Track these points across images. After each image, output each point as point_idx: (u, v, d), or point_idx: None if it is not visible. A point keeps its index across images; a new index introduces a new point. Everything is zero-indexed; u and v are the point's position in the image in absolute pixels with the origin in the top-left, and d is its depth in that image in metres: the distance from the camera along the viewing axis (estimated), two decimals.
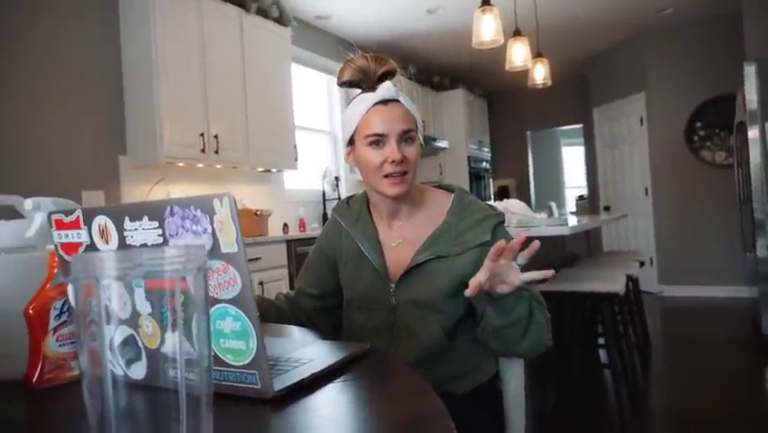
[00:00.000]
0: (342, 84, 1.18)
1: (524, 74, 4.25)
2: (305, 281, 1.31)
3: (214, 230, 0.60)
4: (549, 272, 0.93)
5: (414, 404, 0.59)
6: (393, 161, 1.10)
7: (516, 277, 0.94)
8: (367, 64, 1.14)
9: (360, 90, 1.16)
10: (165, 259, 0.41)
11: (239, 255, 0.59)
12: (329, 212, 4.81)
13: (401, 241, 1.19)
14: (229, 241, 0.59)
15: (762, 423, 2.48)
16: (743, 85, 3.72)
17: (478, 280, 0.93)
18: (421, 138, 1.18)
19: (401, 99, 1.13)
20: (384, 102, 1.11)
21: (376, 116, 1.11)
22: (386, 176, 1.12)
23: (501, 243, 0.90)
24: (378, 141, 1.11)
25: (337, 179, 4.96)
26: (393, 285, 1.16)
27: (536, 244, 0.91)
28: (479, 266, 0.99)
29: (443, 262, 1.12)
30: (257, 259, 3.29)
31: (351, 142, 1.17)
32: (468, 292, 0.93)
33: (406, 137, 1.12)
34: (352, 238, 1.22)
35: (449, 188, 1.25)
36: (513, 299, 0.98)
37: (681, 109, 5.59)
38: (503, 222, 1.18)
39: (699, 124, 5.52)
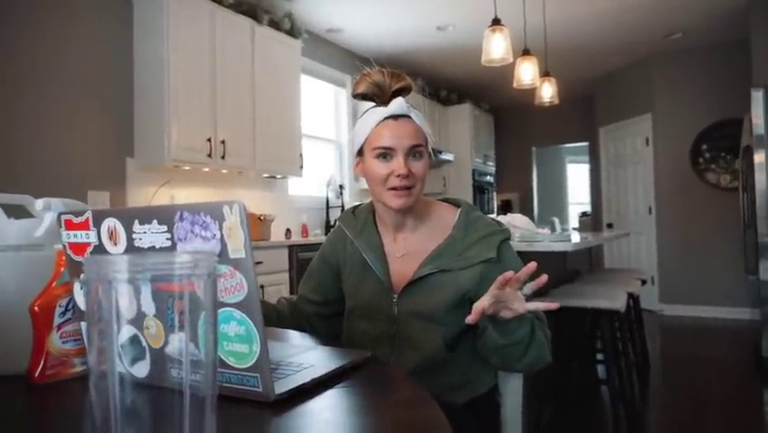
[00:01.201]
0: (356, 96, 1.19)
1: (531, 91, 4.27)
2: (307, 288, 1.32)
3: (222, 236, 0.61)
4: (554, 305, 0.94)
5: (414, 412, 0.60)
6: (399, 175, 1.11)
7: (521, 306, 0.95)
8: (383, 79, 1.15)
9: (373, 103, 1.17)
10: (175, 264, 0.42)
11: (246, 261, 0.60)
12: (332, 219, 4.84)
13: (405, 253, 1.20)
14: (237, 247, 0.60)
15: None
16: (749, 110, 3.73)
17: (481, 305, 0.94)
18: (431, 153, 1.19)
19: (412, 115, 1.14)
20: (395, 117, 1.13)
21: (386, 130, 1.12)
22: (391, 188, 1.13)
23: (509, 273, 0.91)
24: (385, 154, 1.12)
25: (341, 187, 4.98)
26: (396, 296, 1.17)
27: (544, 277, 0.93)
28: (483, 283, 0.99)
29: (446, 275, 1.13)
30: (258, 263, 3.30)
31: (360, 152, 1.19)
32: (470, 319, 0.95)
33: (413, 152, 1.13)
34: (356, 248, 1.23)
35: (455, 203, 1.26)
36: (516, 321, 0.99)
37: (686, 131, 5.61)
38: (508, 239, 1.18)
39: (704, 147, 5.53)
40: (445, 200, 1.28)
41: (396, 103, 1.13)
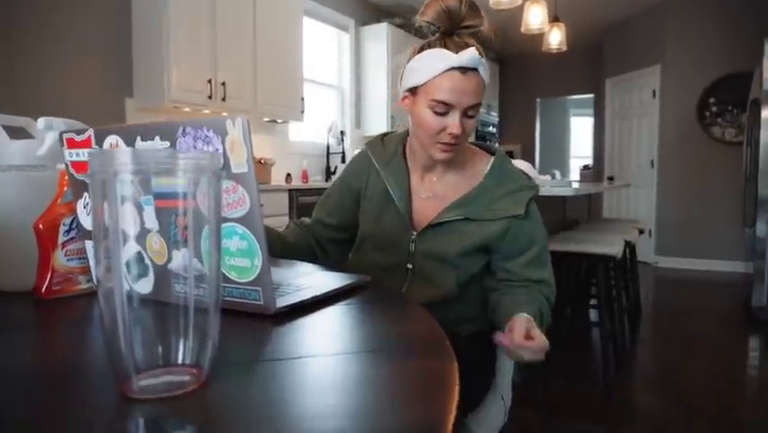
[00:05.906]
0: (420, 22, 1.10)
1: (537, 40, 4.18)
2: (323, 211, 1.29)
3: (225, 150, 0.61)
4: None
5: (413, 325, 0.62)
6: (451, 133, 1.06)
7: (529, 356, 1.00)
8: (458, 8, 1.06)
9: (434, 35, 1.09)
10: (179, 159, 0.42)
11: (248, 175, 0.60)
12: (332, 165, 4.82)
13: (432, 195, 1.18)
14: (239, 161, 0.60)
15: (740, 387, 2.54)
16: (761, 62, 3.66)
17: (506, 343, 0.98)
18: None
19: (480, 69, 1.05)
20: (463, 70, 1.03)
21: (449, 83, 1.03)
22: (441, 143, 1.09)
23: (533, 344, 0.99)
24: (443, 108, 1.05)
25: (342, 133, 4.93)
26: (415, 234, 1.16)
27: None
28: (505, 236, 1.10)
29: (471, 224, 1.11)
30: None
31: (413, 91, 1.10)
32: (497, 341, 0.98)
33: (470, 110, 1.07)
34: (381, 178, 1.21)
35: (489, 150, 1.22)
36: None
37: (695, 83, 5.51)
38: (537, 194, 1.16)
39: (712, 100, 5.44)
40: (479, 145, 1.24)
41: (468, 53, 1.02)
